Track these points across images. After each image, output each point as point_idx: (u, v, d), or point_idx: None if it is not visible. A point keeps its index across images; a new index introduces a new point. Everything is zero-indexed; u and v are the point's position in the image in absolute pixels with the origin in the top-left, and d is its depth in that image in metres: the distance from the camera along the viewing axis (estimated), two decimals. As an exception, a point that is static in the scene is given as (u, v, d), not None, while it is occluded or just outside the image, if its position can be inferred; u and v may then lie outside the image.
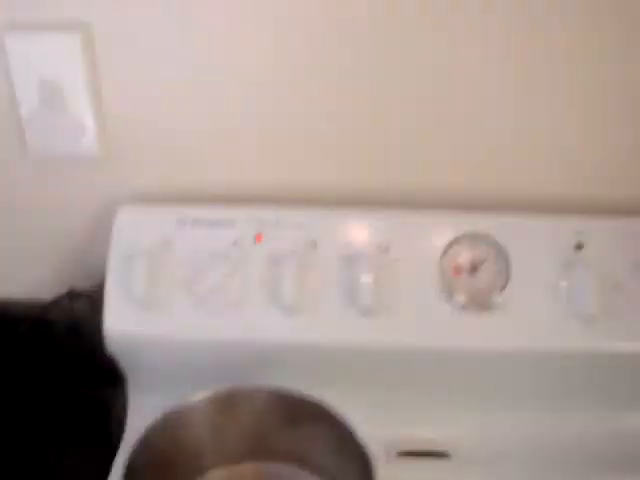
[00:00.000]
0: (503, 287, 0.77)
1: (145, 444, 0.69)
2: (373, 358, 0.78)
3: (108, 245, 0.81)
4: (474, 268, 0.78)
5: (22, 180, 0.87)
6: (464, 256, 0.78)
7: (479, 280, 0.78)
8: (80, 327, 0.88)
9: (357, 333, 0.77)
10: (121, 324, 0.80)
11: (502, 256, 0.78)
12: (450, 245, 0.78)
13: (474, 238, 0.79)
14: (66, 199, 0.87)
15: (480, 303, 0.77)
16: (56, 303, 0.88)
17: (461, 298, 0.76)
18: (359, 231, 0.79)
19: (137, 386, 0.86)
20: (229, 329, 0.78)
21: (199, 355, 0.80)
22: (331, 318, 0.77)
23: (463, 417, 0.84)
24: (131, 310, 0.79)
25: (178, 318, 0.79)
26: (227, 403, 0.75)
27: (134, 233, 0.81)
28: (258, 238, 0.78)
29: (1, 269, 0.94)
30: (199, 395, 0.74)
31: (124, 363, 0.84)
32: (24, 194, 0.88)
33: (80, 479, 0.82)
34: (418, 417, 0.84)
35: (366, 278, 0.75)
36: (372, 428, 0.71)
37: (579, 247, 0.78)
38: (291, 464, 0.78)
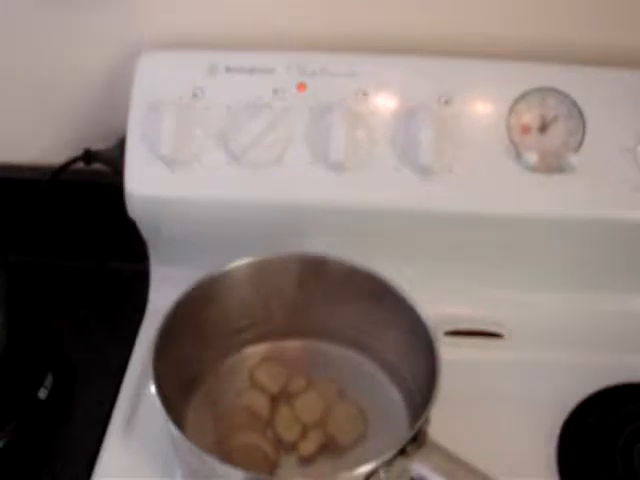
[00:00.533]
0: (577, 148, 0.68)
1: (177, 315, 0.61)
2: (429, 223, 0.70)
3: (129, 98, 0.71)
4: (544, 126, 0.68)
5: (24, 20, 0.75)
6: (533, 112, 0.69)
7: (550, 139, 0.69)
8: (98, 191, 0.78)
9: (413, 195, 0.68)
10: (145, 185, 0.71)
11: (576, 114, 0.68)
12: (518, 100, 0.69)
13: (545, 93, 0.69)
14: (80, 44, 0.76)
15: (551, 164, 0.68)
16: (71, 165, 0.78)
17: (530, 158, 0.66)
18: (416, 81, 0.69)
19: (161, 257, 0.78)
20: (267, 189, 0.69)
21: (232, 220, 0.71)
22: (383, 177, 0.68)
23: (520, 294, 0.76)
24: (156, 169, 0.70)
25: (210, 177, 0.69)
26: (267, 272, 0.66)
27: (159, 82, 0.71)
28: (300, 87, 0.68)
29: (10, 131, 0.84)
30: (236, 262, 0.65)
31: (147, 230, 0.75)
32: (28, 38, 0.76)
33: (100, 351, 0.74)
34: (471, 293, 0.76)
35: (425, 133, 0.65)
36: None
37: (663, 106, 0.68)
38: (335, 342, 0.70)
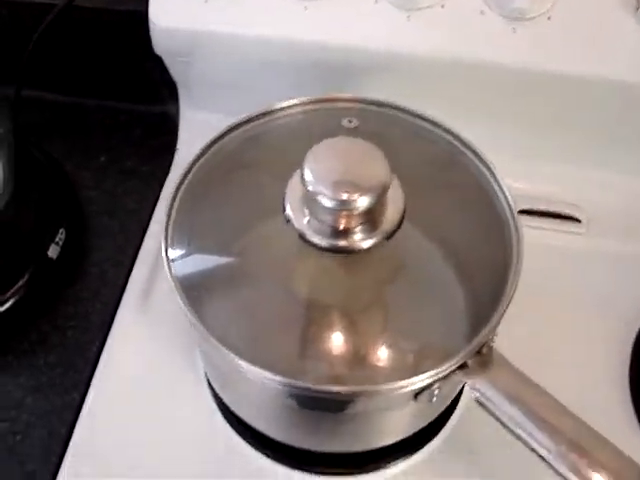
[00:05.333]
0: None
1: (206, 165, 0.47)
2: (508, 80, 0.54)
3: None
4: None
5: None
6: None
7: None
8: (121, 18, 0.63)
9: (499, 45, 0.52)
10: (171, 15, 0.56)
11: None
12: None
13: None
14: None
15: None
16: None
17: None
18: None
19: (192, 101, 0.65)
20: (318, 27, 0.53)
21: (275, 61, 0.56)
22: (465, 21, 0.52)
23: (604, 174, 0.62)
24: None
25: (249, 9, 0.54)
26: (321, 117, 0.50)
27: None
28: None
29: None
30: (286, 102, 0.49)
31: (175, 69, 0.62)
32: None
33: (119, 206, 0.63)
34: (544, 169, 0.62)
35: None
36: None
37: None
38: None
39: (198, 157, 0.47)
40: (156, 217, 0.61)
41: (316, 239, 0.41)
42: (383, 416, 0.45)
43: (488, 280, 0.44)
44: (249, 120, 0.49)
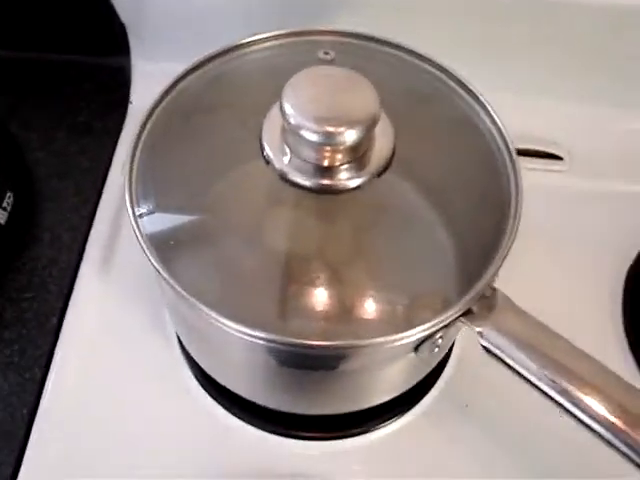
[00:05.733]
0: None
1: (167, 110, 0.42)
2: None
3: None
4: None
5: None
6: None
7: None
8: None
9: None
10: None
11: None
12: None
13: None
14: None
15: None
16: None
17: None
18: None
19: (145, 50, 0.61)
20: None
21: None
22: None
23: (585, 108, 0.59)
24: None
25: None
26: (291, 54, 0.45)
27: None
28: None
29: None
30: (251, 37, 0.45)
31: (126, 9, 0.57)
32: None
33: (71, 166, 0.58)
34: (520, 103, 0.57)
35: None
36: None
37: None
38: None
39: (158, 102, 0.42)
40: (112, 175, 0.56)
41: (299, 178, 0.37)
42: (377, 373, 0.42)
43: (482, 224, 0.40)
44: (213, 58, 0.44)
